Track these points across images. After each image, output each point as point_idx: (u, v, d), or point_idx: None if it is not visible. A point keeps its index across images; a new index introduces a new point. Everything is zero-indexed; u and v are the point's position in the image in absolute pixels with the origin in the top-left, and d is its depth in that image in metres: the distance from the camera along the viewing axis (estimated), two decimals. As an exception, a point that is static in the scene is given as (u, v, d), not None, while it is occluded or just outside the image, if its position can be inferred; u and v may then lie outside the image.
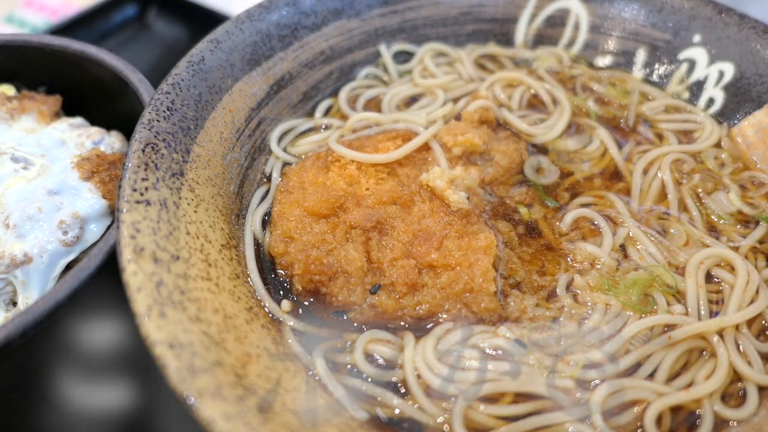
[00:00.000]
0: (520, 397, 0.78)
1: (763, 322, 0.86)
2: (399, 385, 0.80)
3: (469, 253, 0.89)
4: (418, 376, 0.79)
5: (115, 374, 0.90)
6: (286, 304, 0.87)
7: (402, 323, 0.85)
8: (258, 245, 0.94)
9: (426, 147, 1.04)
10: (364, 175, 1.00)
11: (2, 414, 0.79)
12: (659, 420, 0.76)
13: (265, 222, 0.98)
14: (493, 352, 0.81)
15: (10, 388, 0.76)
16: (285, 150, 1.09)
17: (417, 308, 0.85)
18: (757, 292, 0.86)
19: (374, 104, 1.19)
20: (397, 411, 0.77)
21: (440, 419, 0.76)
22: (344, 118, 1.14)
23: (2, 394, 0.76)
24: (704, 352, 0.82)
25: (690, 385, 0.79)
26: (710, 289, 0.88)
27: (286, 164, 1.06)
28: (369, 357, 0.82)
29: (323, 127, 1.14)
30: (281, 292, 0.89)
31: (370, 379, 0.80)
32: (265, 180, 1.04)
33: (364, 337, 0.82)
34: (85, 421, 0.90)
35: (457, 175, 0.97)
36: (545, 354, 0.81)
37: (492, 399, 0.77)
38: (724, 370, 0.79)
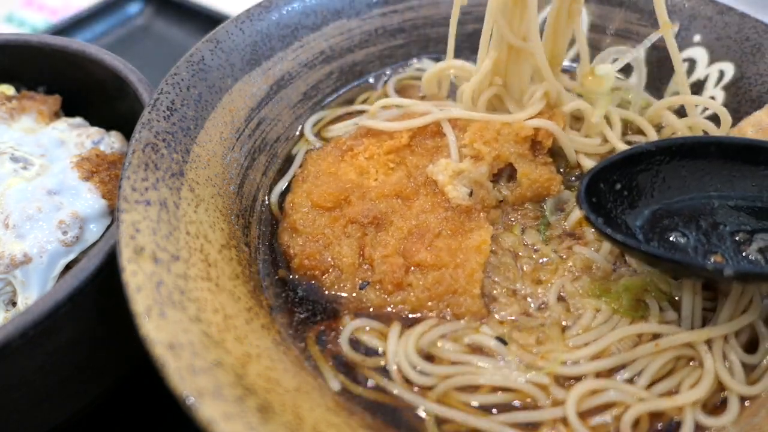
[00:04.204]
0: (497, 389, 0.79)
1: (753, 332, 0.84)
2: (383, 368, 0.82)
3: (458, 253, 0.89)
4: (399, 370, 0.81)
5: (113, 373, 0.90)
6: (282, 272, 0.92)
7: (387, 316, 0.87)
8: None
9: (441, 132, 1.05)
10: (374, 164, 1.01)
11: (2, 414, 0.79)
12: (637, 425, 0.75)
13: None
14: (474, 348, 0.82)
15: (10, 388, 0.76)
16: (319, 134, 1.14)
17: (401, 306, 0.87)
18: (750, 301, 0.84)
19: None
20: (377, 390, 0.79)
21: (419, 407, 0.78)
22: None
23: (2, 394, 0.76)
24: (692, 362, 0.81)
25: (673, 392, 0.78)
26: (707, 297, 0.86)
27: (309, 150, 1.10)
28: (355, 343, 0.84)
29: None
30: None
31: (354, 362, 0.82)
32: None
33: (351, 326, 0.85)
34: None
35: (463, 169, 0.96)
36: (525, 351, 0.81)
37: (469, 390, 0.79)
38: (710, 379, 0.78)
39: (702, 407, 0.77)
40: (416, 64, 1.29)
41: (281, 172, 1.08)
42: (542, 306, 0.87)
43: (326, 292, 0.89)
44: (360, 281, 0.89)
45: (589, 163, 1.04)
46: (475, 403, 0.78)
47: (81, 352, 0.81)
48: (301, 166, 1.07)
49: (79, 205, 0.90)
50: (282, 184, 1.06)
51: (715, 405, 0.78)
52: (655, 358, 0.80)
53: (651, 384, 0.79)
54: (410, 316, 0.86)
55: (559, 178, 1.01)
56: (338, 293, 0.89)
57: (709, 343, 0.81)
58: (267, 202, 1.03)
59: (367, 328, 0.85)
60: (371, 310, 0.87)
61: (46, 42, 1.08)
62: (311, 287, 0.91)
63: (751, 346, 0.83)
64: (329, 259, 0.90)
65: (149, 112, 0.87)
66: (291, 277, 0.92)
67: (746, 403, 0.78)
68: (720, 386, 0.79)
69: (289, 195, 1.00)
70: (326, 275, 0.90)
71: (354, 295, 0.88)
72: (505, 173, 1.02)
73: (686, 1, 1.20)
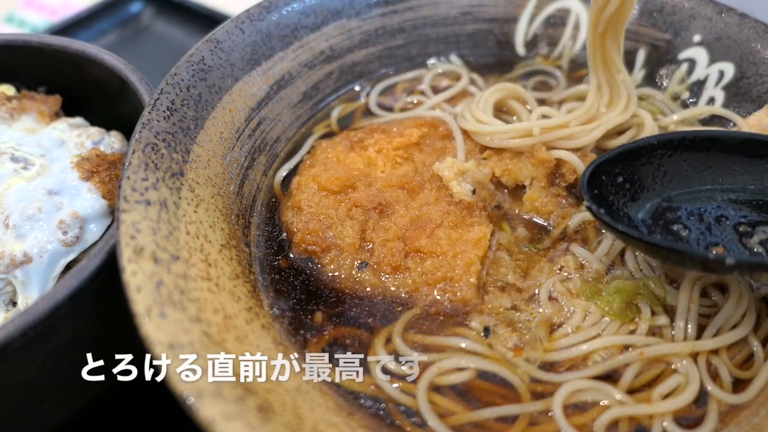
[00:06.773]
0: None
1: (746, 345, 0.83)
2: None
3: (458, 243, 0.91)
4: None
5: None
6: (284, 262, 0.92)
7: (382, 300, 0.89)
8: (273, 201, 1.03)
9: (451, 136, 1.07)
10: (383, 158, 1.04)
11: (2, 414, 0.79)
12: (614, 428, 0.75)
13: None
14: (461, 340, 0.83)
15: (10, 388, 0.76)
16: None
17: (396, 289, 0.88)
18: (743, 316, 0.83)
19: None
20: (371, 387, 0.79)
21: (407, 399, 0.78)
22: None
23: (2, 394, 0.76)
24: (675, 369, 0.80)
25: (654, 399, 0.77)
26: (705, 303, 0.85)
27: (321, 137, 1.12)
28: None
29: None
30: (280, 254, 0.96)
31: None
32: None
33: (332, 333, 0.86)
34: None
35: (468, 168, 0.98)
36: (506, 348, 0.82)
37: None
38: (692, 391, 0.77)
39: (676, 420, 0.76)
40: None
41: (287, 158, 1.11)
42: (532, 302, 0.88)
43: (322, 270, 0.91)
44: (359, 262, 0.91)
45: None
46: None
47: (81, 352, 0.81)
48: (309, 153, 1.10)
49: (79, 205, 0.90)
50: (288, 167, 1.08)
51: (694, 418, 0.77)
52: (638, 364, 0.79)
53: (632, 389, 0.79)
54: (399, 305, 0.88)
55: (566, 212, 0.98)
56: (336, 271, 0.91)
57: (694, 355, 0.80)
58: (270, 183, 1.05)
59: (350, 338, 0.85)
60: (366, 291, 0.89)
61: (46, 42, 1.08)
62: (311, 288, 0.91)
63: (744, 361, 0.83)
64: (330, 238, 0.93)
65: (149, 112, 0.87)
66: (290, 279, 0.92)
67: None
68: (702, 398, 0.78)
69: (296, 177, 1.03)
70: (326, 253, 0.92)
71: (352, 274, 0.90)
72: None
73: (686, 1, 1.20)
